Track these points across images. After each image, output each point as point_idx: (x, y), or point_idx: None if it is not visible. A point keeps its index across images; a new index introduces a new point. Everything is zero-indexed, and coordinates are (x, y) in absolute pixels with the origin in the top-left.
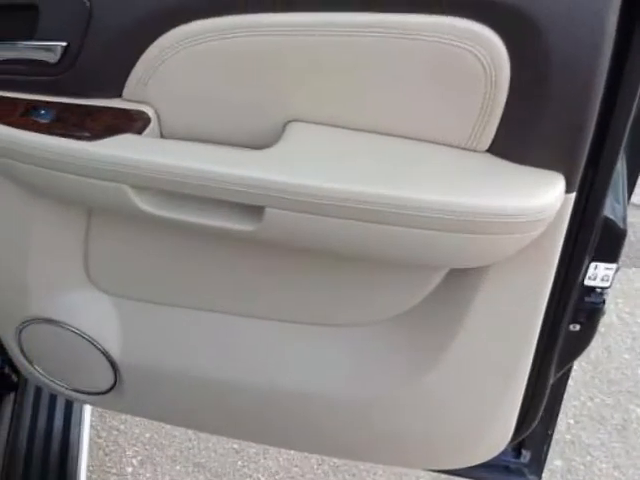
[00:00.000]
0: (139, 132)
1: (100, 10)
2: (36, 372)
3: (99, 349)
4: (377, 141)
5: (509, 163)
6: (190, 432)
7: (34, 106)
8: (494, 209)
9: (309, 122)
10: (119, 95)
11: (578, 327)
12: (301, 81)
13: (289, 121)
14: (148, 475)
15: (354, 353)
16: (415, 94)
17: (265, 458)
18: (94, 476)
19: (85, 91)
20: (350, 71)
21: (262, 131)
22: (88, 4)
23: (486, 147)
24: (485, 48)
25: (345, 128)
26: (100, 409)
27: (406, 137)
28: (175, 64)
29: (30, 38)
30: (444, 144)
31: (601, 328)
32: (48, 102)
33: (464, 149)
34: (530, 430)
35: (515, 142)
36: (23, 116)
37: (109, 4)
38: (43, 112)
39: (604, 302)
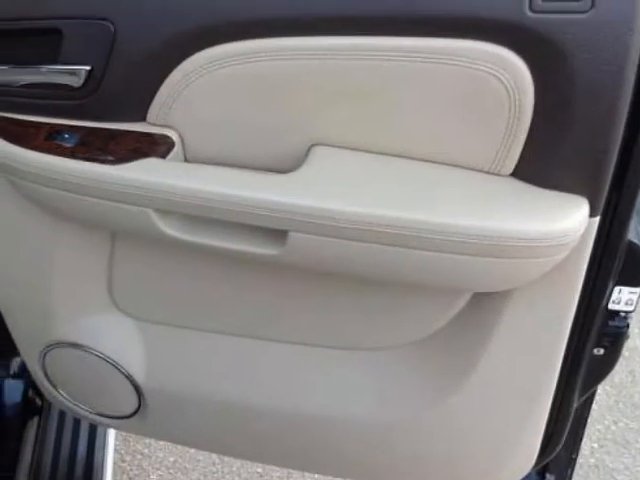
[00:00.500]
0: (163, 156)
1: (124, 34)
2: (60, 396)
3: (123, 373)
4: (401, 165)
5: (533, 187)
6: (214, 456)
7: (58, 130)
8: (518, 233)
9: (333, 146)
10: (143, 119)
11: (602, 351)
12: (325, 105)
13: (313, 145)
14: None
15: (378, 377)
16: (439, 118)
17: None
18: None
19: (109, 115)
20: (374, 95)
21: (286, 155)
22: (112, 28)
23: (510, 171)
24: (509, 72)
25: (368, 152)
26: (124, 433)
27: (430, 161)
28: (199, 88)
29: (54, 62)
30: (468, 168)
31: (625, 352)
32: (72, 126)
33: (488, 173)
34: (554, 454)
35: (539, 166)
36: (47, 140)
37: (133, 28)
38: (67, 136)
39: (628, 326)
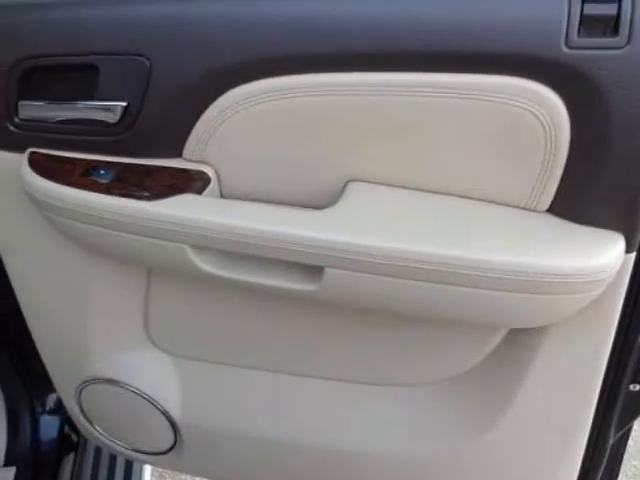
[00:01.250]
0: (199, 192)
1: (160, 70)
2: (96, 432)
3: (159, 409)
4: (437, 201)
5: (569, 223)
6: None
7: (94, 166)
8: (554, 269)
9: (369, 182)
10: (179, 155)
11: (638, 387)
12: (361, 141)
13: (349, 181)
14: None
15: (414, 413)
16: (475, 154)
17: None
18: None
19: (145, 151)
20: (410, 131)
21: (322, 191)
22: (148, 64)
23: (546, 207)
24: (545, 108)
25: (405, 187)
26: (160, 469)
27: (466, 197)
28: (235, 124)
29: (90, 98)
30: (504, 204)
31: None
32: (108, 162)
33: (524, 209)
34: None
35: (575, 202)
36: (83, 176)
37: (169, 64)
38: (103, 172)
39: None
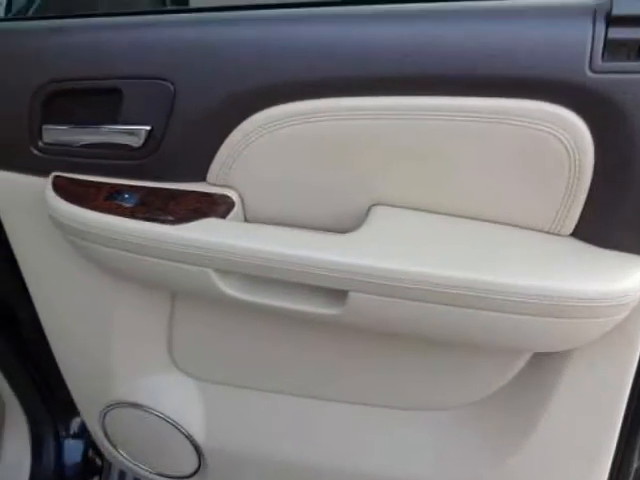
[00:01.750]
0: (223, 216)
1: (184, 94)
2: (120, 456)
3: (183, 433)
4: (461, 225)
5: (593, 247)
6: None
7: (118, 190)
8: (578, 293)
9: (393, 206)
10: (203, 179)
11: None
12: (385, 165)
13: (373, 205)
14: None
15: (439, 437)
16: (499, 178)
17: None
18: None
19: (169, 175)
20: (434, 155)
21: (346, 215)
22: (172, 88)
23: (570, 231)
24: (569, 132)
25: (429, 211)
26: None
27: (490, 221)
28: (259, 148)
29: (114, 122)
30: (528, 228)
31: None
32: (132, 186)
33: (548, 233)
34: None
35: (599, 226)
36: (107, 200)
37: (193, 88)
38: (127, 196)
39: None
